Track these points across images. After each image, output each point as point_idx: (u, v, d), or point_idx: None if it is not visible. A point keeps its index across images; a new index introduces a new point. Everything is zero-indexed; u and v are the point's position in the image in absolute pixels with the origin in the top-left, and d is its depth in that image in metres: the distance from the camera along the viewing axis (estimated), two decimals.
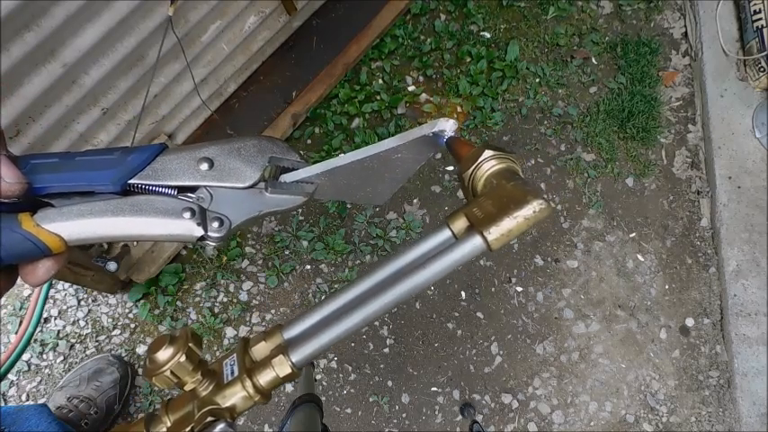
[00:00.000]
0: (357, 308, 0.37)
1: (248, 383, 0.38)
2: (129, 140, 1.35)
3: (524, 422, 1.65)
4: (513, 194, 0.35)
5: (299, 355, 0.38)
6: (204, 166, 0.39)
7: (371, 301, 0.37)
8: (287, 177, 0.41)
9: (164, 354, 0.38)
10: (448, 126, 0.41)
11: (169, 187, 0.38)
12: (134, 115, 1.30)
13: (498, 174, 0.38)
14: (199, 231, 0.37)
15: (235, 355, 0.41)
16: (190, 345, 0.38)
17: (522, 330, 1.73)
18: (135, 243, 1.49)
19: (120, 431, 0.39)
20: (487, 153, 0.39)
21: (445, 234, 0.40)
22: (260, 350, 0.42)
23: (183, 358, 0.38)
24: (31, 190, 0.34)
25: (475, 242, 0.35)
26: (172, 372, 0.38)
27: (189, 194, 0.38)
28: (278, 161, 0.41)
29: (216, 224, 0.38)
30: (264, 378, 0.38)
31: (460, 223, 0.39)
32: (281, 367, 0.38)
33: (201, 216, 0.38)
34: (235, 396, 0.38)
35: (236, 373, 0.39)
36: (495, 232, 0.34)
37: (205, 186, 0.39)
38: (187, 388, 0.39)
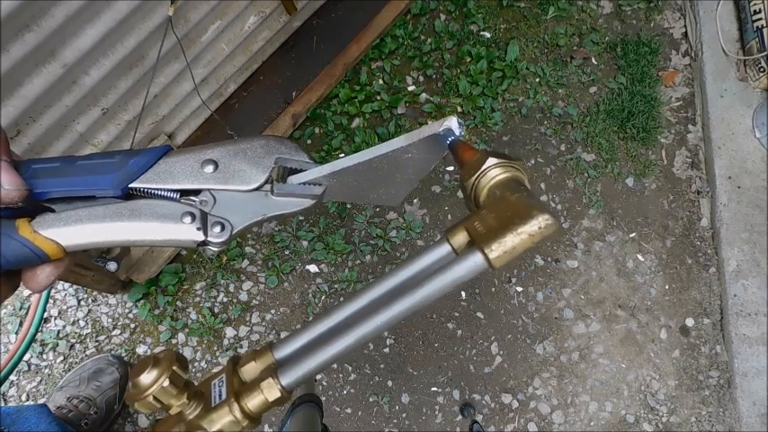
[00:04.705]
0: (351, 328, 0.36)
1: (236, 407, 0.36)
2: (129, 140, 1.35)
3: (524, 422, 1.65)
4: (517, 208, 0.33)
5: (289, 378, 0.37)
6: (209, 169, 0.38)
7: (367, 321, 0.35)
8: (294, 179, 0.40)
9: (146, 378, 0.36)
10: (455, 125, 0.39)
11: (171, 191, 0.37)
12: (134, 115, 1.30)
13: (502, 184, 0.36)
14: (199, 236, 0.36)
15: (224, 375, 0.40)
16: (174, 368, 0.37)
17: (522, 330, 1.73)
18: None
19: None
20: (491, 161, 0.36)
21: (444, 249, 0.38)
22: (249, 371, 0.40)
23: (166, 382, 0.36)
24: (32, 195, 0.33)
25: (476, 259, 0.33)
26: (155, 397, 0.36)
27: (192, 198, 0.38)
28: (285, 162, 0.40)
29: (217, 229, 0.37)
30: (252, 402, 0.37)
31: (460, 237, 0.37)
32: (271, 391, 0.37)
33: (202, 220, 0.37)
34: (222, 420, 0.36)
35: (224, 396, 0.38)
36: (497, 249, 0.32)
37: (208, 189, 0.38)
38: (173, 411, 0.37)
